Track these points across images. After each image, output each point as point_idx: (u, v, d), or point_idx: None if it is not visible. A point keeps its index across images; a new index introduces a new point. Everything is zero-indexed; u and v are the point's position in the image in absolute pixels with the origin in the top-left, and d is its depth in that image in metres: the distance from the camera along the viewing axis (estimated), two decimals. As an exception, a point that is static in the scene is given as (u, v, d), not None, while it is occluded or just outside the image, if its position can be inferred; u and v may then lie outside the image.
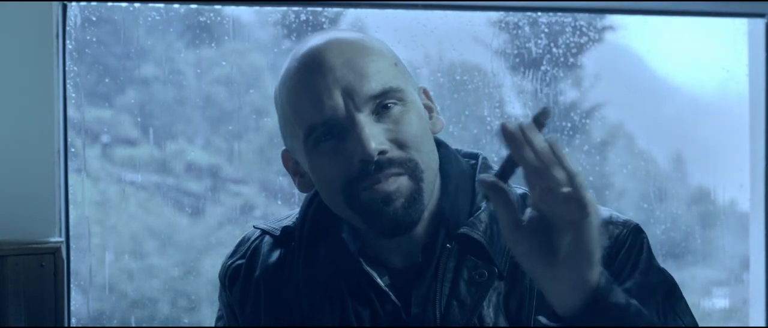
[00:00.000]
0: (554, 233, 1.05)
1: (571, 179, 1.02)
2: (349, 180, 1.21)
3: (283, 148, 1.33)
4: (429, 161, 1.25)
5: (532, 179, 1.04)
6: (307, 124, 1.23)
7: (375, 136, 1.20)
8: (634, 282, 1.23)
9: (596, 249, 1.05)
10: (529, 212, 1.07)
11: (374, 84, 1.22)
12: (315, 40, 1.26)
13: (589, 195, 1.02)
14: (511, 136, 1.03)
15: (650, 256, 1.28)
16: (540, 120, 1.04)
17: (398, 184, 1.21)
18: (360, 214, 1.23)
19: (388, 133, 1.22)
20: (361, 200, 1.22)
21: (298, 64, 1.25)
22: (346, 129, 1.21)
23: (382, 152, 1.20)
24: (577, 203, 1.02)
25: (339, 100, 1.21)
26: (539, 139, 1.03)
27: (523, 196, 1.32)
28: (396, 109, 1.23)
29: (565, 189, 1.02)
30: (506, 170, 1.09)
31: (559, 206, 1.03)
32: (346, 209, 1.24)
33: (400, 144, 1.22)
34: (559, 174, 1.02)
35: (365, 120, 1.21)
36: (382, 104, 1.22)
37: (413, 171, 1.22)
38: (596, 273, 1.06)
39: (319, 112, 1.21)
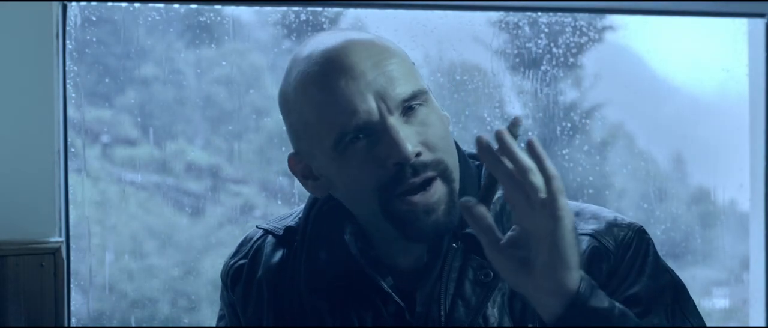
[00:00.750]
0: (533, 244, 1.06)
1: (548, 182, 1.03)
2: (382, 184, 1.20)
3: (291, 152, 1.30)
4: (454, 161, 1.25)
5: (511, 195, 1.06)
6: (338, 131, 1.20)
7: (409, 138, 1.19)
8: (642, 285, 1.23)
9: (572, 254, 1.06)
10: (510, 231, 1.09)
11: (405, 87, 1.21)
12: (329, 42, 1.23)
13: (563, 200, 1.04)
14: (486, 148, 1.05)
15: (656, 257, 1.27)
16: (513, 131, 1.06)
17: (438, 193, 1.21)
18: (394, 222, 1.22)
19: (419, 136, 1.21)
20: (399, 210, 1.21)
21: (320, 68, 1.22)
22: (377, 132, 1.20)
23: (418, 155, 1.19)
24: (550, 209, 1.03)
25: (372, 104, 1.19)
26: (514, 146, 1.04)
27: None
28: (422, 111, 1.22)
29: (541, 195, 1.03)
30: (489, 190, 1.11)
31: (536, 215, 1.04)
32: (379, 213, 1.22)
33: (430, 146, 1.21)
34: (536, 180, 1.03)
35: (397, 123, 1.19)
36: (409, 106, 1.21)
37: (444, 172, 1.22)
38: (575, 278, 1.07)
39: (353, 117, 1.19)
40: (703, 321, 1.25)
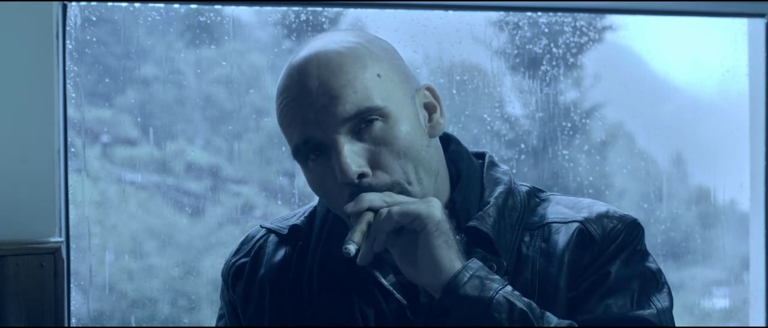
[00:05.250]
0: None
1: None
2: (338, 203, 1.24)
3: None
4: (418, 172, 1.24)
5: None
6: (293, 144, 1.25)
7: (354, 159, 1.20)
8: (614, 267, 1.26)
9: (441, 258, 1.19)
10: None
11: (348, 106, 1.21)
12: (300, 55, 1.25)
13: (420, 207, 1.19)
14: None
15: (637, 248, 1.30)
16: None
17: None
18: None
19: (368, 154, 1.22)
20: None
21: (283, 83, 1.26)
22: (329, 149, 1.22)
23: (362, 175, 1.21)
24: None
25: (312, 125, 1.21)
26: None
27: (529, 193, 1.33)
28: (377, 126, 1.22)
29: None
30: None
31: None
32: (345, 218, 1.25)
33: (381, 165, 1.22)
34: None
35: (344, 141, 1.21)
36: (366, 120, 1.22)
37: (400, 193, 1.22)
38: (446, 274, 1.18)
39: (298, 134, 1.23)
40: (669, 305, 1.27)
